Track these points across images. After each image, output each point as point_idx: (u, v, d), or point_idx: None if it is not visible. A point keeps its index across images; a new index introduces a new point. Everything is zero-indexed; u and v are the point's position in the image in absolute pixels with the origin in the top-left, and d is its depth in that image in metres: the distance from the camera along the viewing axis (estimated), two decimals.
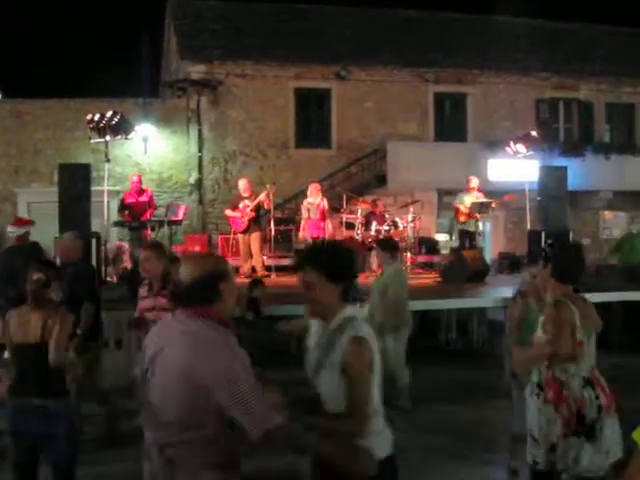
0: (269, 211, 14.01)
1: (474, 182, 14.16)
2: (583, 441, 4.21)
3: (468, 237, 14.19)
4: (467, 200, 13.99)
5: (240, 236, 13.77)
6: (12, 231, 8.59)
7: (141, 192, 13.60)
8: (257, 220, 13.71)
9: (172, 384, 2.99)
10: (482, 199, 13.99)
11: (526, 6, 21.78)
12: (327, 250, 3.27)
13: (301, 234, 14.36)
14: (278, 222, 14.72)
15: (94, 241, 11.25)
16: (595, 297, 9.75)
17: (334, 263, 3.16)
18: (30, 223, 8.95)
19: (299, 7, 21.72)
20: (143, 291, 6.12)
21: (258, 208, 13.56)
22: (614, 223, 21.51)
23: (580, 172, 17.46)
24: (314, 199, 13.96)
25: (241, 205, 13.54)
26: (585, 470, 4.21)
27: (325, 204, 14.04)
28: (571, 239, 12.75)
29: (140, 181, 13.82)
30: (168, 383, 3.01)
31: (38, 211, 16.98)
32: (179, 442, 3.00)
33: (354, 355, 3.03)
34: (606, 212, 21.39)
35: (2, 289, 7.62)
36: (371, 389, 3.09)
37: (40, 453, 4.93)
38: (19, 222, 8.88)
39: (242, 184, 13.87)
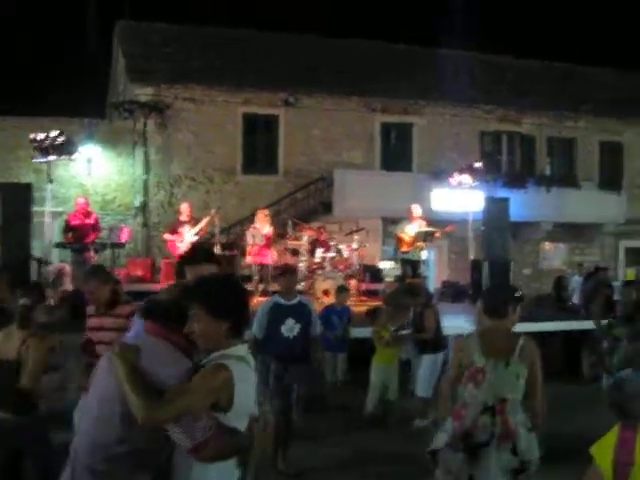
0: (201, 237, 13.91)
1: (417, 211, 14.28)
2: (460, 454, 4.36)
3: (411, 266, 14.27)
4: (410, 229, 14.09)
5: None
6: None
7: (88, 214, 13.45)
8: None
9: (104, 399, 3.07)
10: (426, 228, 14.12)
11: (472, 40, 22.29)
12: (212, 285, 3.19)
13: (248, 260, 14.27)
14: (222, 247, 14.59)
15: (35, 263, 11.07)
16: (534, 327, 9.97)
17: (217, 299, 3.10)
18: None
19: (248, 32, 21.81)
20: (90, 309, 5.98)
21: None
22: (554, 254, 21.96)
23: (522, 204, 17.75)
24: (261, 226, 13.93)
25: (180, 229, 13.46)
26: None
27: (270, 231, 14.02)
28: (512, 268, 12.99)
29: (87, 203, 13.70)
30: (101, 397, 3.10)
31: None
32: (109, 456, 3.03)
33: (204, 373, 3.01)
34: (546, 243, 21.82)
35: None
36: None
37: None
38: None
39: (185, 208, 13.81)
